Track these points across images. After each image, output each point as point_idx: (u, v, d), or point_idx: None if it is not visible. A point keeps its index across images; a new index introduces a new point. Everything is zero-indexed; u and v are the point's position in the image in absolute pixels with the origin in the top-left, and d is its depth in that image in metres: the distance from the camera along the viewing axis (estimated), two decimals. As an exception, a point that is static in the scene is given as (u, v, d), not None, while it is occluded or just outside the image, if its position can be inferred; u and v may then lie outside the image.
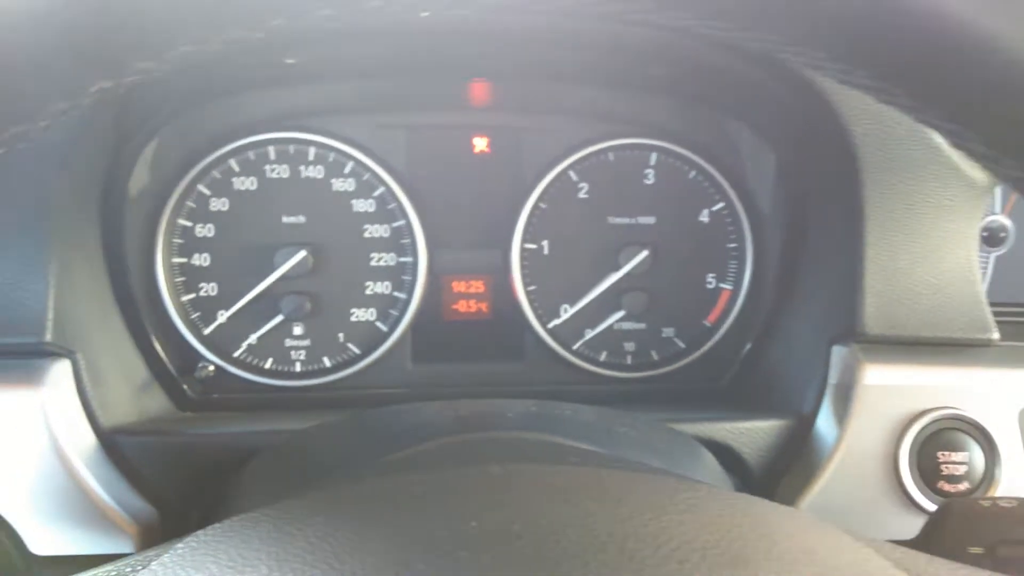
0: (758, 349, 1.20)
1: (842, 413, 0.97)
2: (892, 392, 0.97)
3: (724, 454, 0.99)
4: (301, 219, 1.15)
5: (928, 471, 0.96)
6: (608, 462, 0.63)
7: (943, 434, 0.96)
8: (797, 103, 0.99)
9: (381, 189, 1.17)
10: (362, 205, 1.17)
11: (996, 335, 1.01)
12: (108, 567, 0.51)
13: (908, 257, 0.99)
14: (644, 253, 1.19)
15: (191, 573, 0.45)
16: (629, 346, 1.23)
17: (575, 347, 1.22)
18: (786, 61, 0.91)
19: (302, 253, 1.13)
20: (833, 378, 1.01)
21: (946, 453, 0.96)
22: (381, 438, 0.79)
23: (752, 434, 1.00)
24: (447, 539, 0.44)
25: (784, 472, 1.00)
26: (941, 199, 0.98)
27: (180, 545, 0.49)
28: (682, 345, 1.23)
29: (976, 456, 0.96)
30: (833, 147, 0.98)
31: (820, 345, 1.04)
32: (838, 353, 1.01)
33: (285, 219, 1.15)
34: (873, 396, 0.96)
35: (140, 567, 0.49)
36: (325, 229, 1.16)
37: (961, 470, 0.96)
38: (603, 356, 1.23)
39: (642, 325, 1.22)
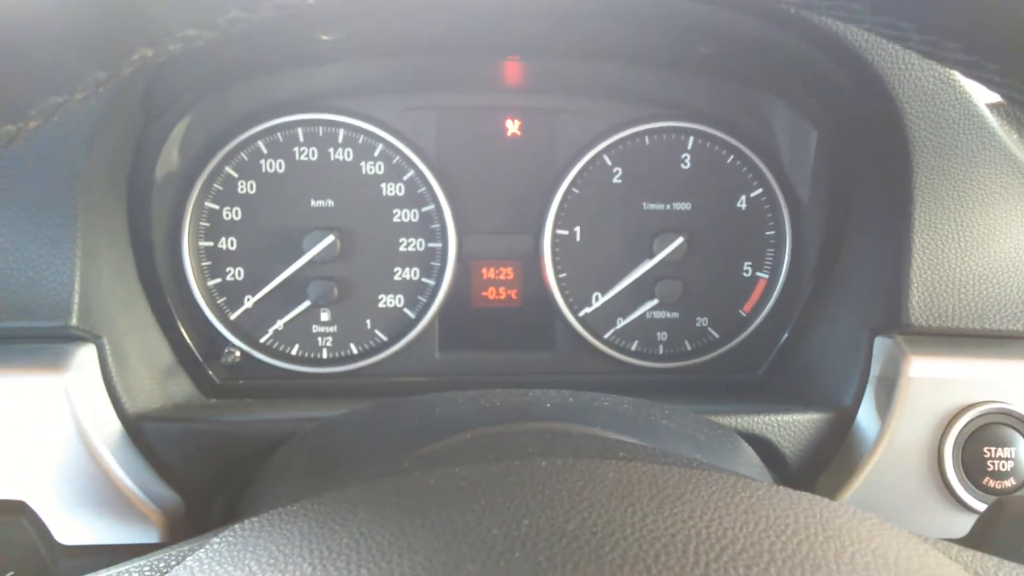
0: (795, 340, 1.17)
1: (885, 407, 0.94)
2: (937, 385, 0.94)
3: (761, 447, 0.96)
4: (329, 203, 1.13)
5: (973, 467, 0.93)
6: (657, 457, 0.60)
7: (989, 429, 0.93)
8: (848, 81, 0.96)
9: (411, 172, 1.14)
10: (391, 189, 1.14)
11: (1046, 328, 0.98)
12: (140, 561, 0.49)
13: (957, 245, 0.96)
14: (679, 240, 1.16)
15: (229, 570, 0.43)
16: (662, 335, 1.20)
17: (606, 336, 1.20)
18: (843, 37, 0.88)
19: (330, 238, 1.11)
20: (876, 370, 0.98)
21: (992, 448, 0.93)
22: (414, 428, 0.77)
23: (791, 427, 0.98)
24: (500, 538, 0.41)
25: (823, 467, 0.98)
26: (993, 186, 0.95)
27: (216, 540, 0.47)
28: (716, 335, 1.21)
29: (1022, 452, 0.93)
30: (883, 128, 0.94)
31: (861, 336, 1.01)
32: (881, 344, 0.98)
33: (313, 202, 1.13)
34: (917, 389, 0.93)
35: (174, 562, 0.47)
36: (353, 213, 1.14)
37: (1008, 466, 0.93)
38: (635, 346, 1.20)
39: (675, 314, 1.20)
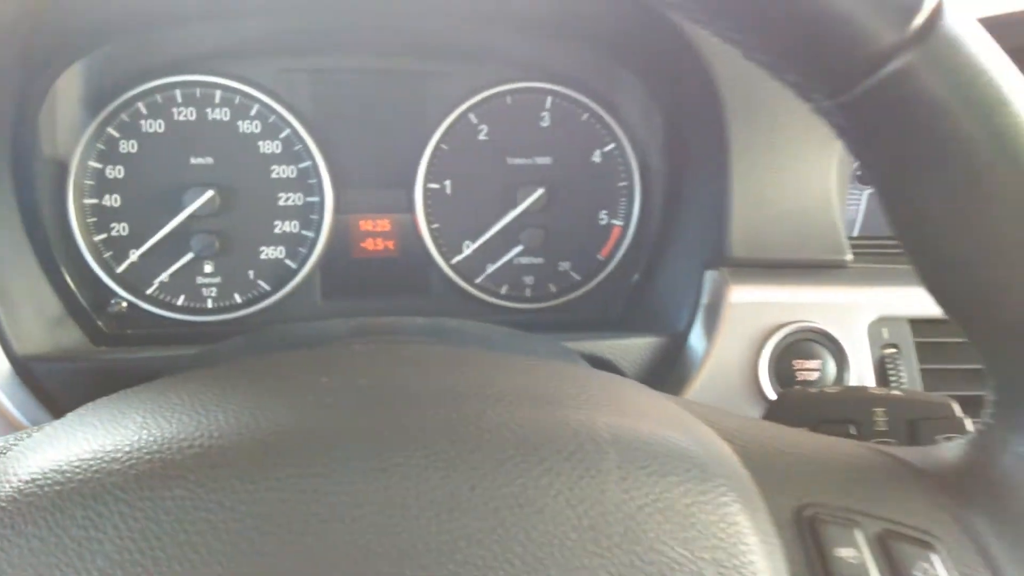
0: (645, 279, 1.29)
1: (711, 329, 1.07)
2: (755, 309, 1.07)
3: (606, 368, 1.08)
4: (209, 160, 1.20)
5: (785, 377, 1.06)
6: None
7: (799, 344, 1.07)
8: (665, 44, 1.08)
9: (287, 131, 1.22)
10: (268, 147, 1.22)
11: (849, 256, 1.11)
12: None
13: (772, 187, 1.09)
14: (540, 191, 1.27)
15: (72, 434, 0.51)
16: (528, 279, 1.31)
17: (478, 281, 1.30)
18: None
19: (209, 193, 1.18)
20: (704, 299, 1.11)
21: (800, 361, 1.06)
22: (279, 348, 0.86)
23: (630, 349, 1.10)
24: (298, 388, 0.51)
25: (660, 384, 1.10)
26: (802, 135, 1.08)
27: (70, 415, 0.55)
28: (577, 277, 1.32)
29: (828, 364, 1.07)
30: (700, 87, 1.07)
31: (696, 271, 1.13)
32: (709, 276, 1.11)
33: (193, 160, 1.20)
34: (738, 313, 1.06)
35: (25, 436, 0.55)
36: (232, 170, 1.21)
37: (814, 376, 1.07)
38: (504, 289, 1.31)
39: (540, 259, 1.31)
